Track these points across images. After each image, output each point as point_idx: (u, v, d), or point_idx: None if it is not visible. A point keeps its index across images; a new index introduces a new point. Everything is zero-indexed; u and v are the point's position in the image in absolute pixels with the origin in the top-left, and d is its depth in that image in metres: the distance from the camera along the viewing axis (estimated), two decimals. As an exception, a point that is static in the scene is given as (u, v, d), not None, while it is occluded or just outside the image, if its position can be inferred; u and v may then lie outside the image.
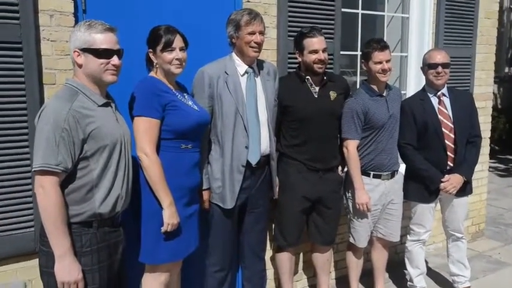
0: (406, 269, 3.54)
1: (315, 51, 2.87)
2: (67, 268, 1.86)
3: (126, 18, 2.61)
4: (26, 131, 2.44)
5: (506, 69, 9.92)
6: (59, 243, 1.85)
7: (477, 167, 4.28)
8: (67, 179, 1.90)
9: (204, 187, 2.76)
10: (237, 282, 3.32)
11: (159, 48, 2.39)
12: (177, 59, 2.40)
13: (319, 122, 2.97)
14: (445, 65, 3.21)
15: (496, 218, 5.36)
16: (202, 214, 2.71)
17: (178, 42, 2.41)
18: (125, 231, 2.22)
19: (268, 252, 3.31)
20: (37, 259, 2.10)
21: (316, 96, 2.99)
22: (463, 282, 3.56)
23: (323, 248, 3.27)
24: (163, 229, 2.35)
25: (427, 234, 3.45)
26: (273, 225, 3.24)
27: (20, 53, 2.41)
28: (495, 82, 5.65)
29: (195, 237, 2.60)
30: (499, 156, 8.68)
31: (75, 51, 1.95)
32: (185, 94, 2.58)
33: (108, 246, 2.04)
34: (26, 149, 2.44)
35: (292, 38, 3.13)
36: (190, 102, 2.53)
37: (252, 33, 2.64)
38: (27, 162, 2.42)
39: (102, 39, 1.96)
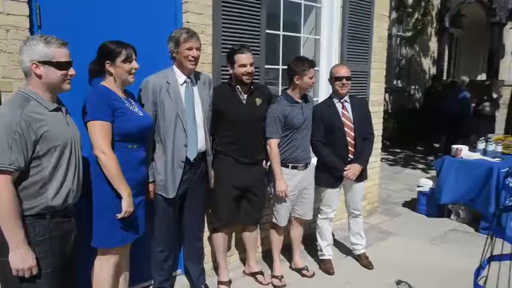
0: (317, 241, 3.62)
1: (244, 65, 2.87)
2: (21, 257, 1.76)
3: (75, 33, 2.44)
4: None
5: (394, 82, 10.40)
6: (13, 235, 1.74)
7: (372, 158, 4.46)
8: (21, 176, 1.79)
9: (149, 180, 2.67)
10: (179, 259, 3.27)
11: (119, 59, 2.29)
12: (135, 69, 2.34)
13: (247, 124, 2.97)
14: (348, 78, 3.32)
15: (386, 198, 5.61)
16: (148, 203, 2.62)
17: (134, 55, 2.34)
18: (78, 221, 2.10)
19: (206, 234, 3.26)
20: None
21: (244, 102, 2.98)
22: (360, 250, 3.73)
23: (251, 228, 3.29)
24: (119, 216, 2.27)
25: (333, 213, 3.57)
26: (210, 210, 3.20)
27: (-22, 63, 2.21)
28: (386, 91, 5.90)
29: (142, 224, 2.51)
30: (389, 150, 9.10)
31: (33, 63, 1.83)
32: (132, 101, 2.48)
33: (61, 234, 1.94)
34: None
35: (225, 54, 3.09)
36: (136, 109, 2.44)
37: (190, 48, 2.61)
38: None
39: (62, 52, 1.89)
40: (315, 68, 4.18)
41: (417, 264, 3.69)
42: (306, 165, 3.27)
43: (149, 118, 2.53)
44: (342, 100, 3.39)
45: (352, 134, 3.36)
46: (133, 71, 2.35)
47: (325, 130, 3.31)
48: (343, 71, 3.32)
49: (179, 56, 2.64)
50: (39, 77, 1.86)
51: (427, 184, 5.03)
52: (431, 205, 4.96)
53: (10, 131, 1.71)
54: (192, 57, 2.64)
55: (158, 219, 2.77)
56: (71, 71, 1.95)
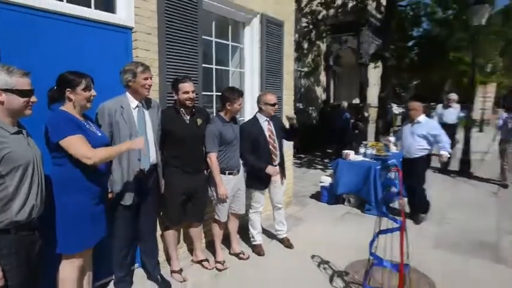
0: (249, 231, 3.58)
1: (187, 92, 2.77)
2: None
3: (32, 66, 2.14)
4: None
5: (297, 104, 10.80)
6: None
7: (287, 163, 4.51)
8: None
9: (109, 190, 2.43)
10: (136, 255, 3.00)
11: (80, 88, 2.07)
12: (93, 96, 2.13)
13: (190, 140, 2.86)
14: (275, 104, 3.40)
15: (297, 193, 5.71)
16: (108, 210, 2.37)
17: (92, 84, 2.13)
18: (43, 230, 1.83)
19: (158, 232, 3.04)
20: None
21: (187, 122, 2.86)
22: (282, 234, 3.76)
23: (196, 224, 3.15)
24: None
25: (262, 207, 3.54)
26: (161, 213, 3.00)
27: None
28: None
29: (103, 228, 2.27)
30: (296, 156, 9.29)
31: None
32: (90, 123, 2.23)
33: (25, 247, 1.67)
34: None
35: (170, 83, 2.96)
36: (94, 129, 2.21)
37: (146, 78, 2.48)
38: None
39: (24, 82, 1.67)
40: None
41: (325, 241, 3.80)
42: (238, 171, 3.22)
43: (106, 137, 2.31)
44: (267, 119, 3.41)
45: (275, 144, 3.41)
46: (91, 98, 2.15)
47: (252, 143, 3.28)
48: (274, 98, 3.38)
49: (136, 85, 2.47)
50: (1, 103, 1.61)
51: (327, 180, 5.23)
52: (330, 195, 5.15)
53: None
54: (148, 85, 2.51)
55: (118, 223, 2.54)
56: (33, 98, 1.73)
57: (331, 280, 2.99)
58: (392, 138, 4.88)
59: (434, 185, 6.21)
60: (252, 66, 4.27)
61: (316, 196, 5.51)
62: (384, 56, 9.75)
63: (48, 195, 1.98)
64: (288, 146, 3.76)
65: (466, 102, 7.98)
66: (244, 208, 3.39)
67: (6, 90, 1.61)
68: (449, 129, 7.21)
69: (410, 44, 13.35)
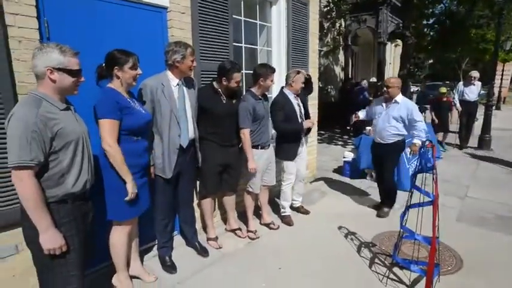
0: (280, 202, 3.59)
1: (237, 82, 2.79)
2: (51, 238, 1.51)
3: (79, 45, 2.11)
4: (4, 131, 1.87)
5: (320, 84, 10.55)
6: (41, 221, 1.49)
7: (311, 138, 4.45)
8: (43, 169, 1.52)
9: (151, 164, 2.44)
10: (176, 223, 3.06)
11: (127, 66, 2.04)
12: (139, 75, 2.10)
13: (227, 118, 2.85)
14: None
15: (321, 167, 5.63)
16: (150, 182, 2.41)
17: (138, 62, 2.10)
18: (95, 200, 1.86)
19: (195, 202, 3.07)
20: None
21: (224, 102, 2.83)
22: (297, 204, 3.79)
23: (230, 194, 3.16)
24: (127, 198, 2.05)
25: (294, 178, 3.53)
26: (198, 183, 3.03)
27: (-6, 70, 1.84)
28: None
29: (147, 199, 2.30)
30: (318, 131, 9.20)
31: (48, 69, 1.54)
32: (135, 100, 2.21)
33: (81, 215, 1.69)
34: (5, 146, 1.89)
35: (203, 61, 2.93)
36: (138, 107, 2.18)
37: (192, 60, 2.45)
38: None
39: (75, 61, 1.62)
40: None
41: (348, 213, 3.76)
42: (269, 146, 3.21)
43: (149, 114, 2.29)
44: (295, 95, 3.38)
45: (303, 118, 3.41)
46: (137, 76, 2.12)
47: (285, 115, 3.26)
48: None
49: (183, 66, 2.44)
50: (54, 81, 1.58)
51: (349, 155, 5.14)
52: (353, 170, 5.08)
53: (28, 131, 1.43)
54: (193, 67, 2.49)
55: (159, 194, 2.55)
56: (83, 78, 1.69)
57: (358, 250, 2.96)
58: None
59: (454, 162, 6.01)
60: (279, 44, 4.12)
61: (338, 171, 5.43)
62: (403, 34, 9.28)
63: (98, 168, 2.01)
64: (312, 121, 3.68)
65: (485, 80, 7.56)
66: (275, 180, 3.39)
67: (58, 69, 1.57)
68: (470, 106, 6.90)
69: (430, 21, 12.58)
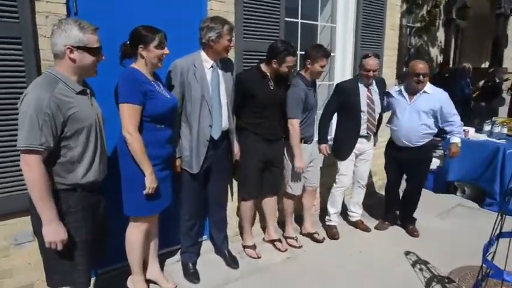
0: (327, 208, 3.56)
1: (290, 67, 2.83)
2: (53, 231, 1.68)
3: (109, 20, 2.33)
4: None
5: (404, 69, 9.97)
6: (46, 211, 1.65)
7: (382, 138, 4.25)
8: (54, 155, 1.69)
9: (177, 156, 2.58)
10: (205, 226, 3.19)
11: (153, 44, 2.16)
12: (164, 55, 2.21)
13: (273, 107, 2.90)
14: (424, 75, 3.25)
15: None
16: (175, 176, 2.55)
17: (165, 41, 2.21)
18: (110, 193, 2.02)
19: (230, 204, 3.18)
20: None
21: (272, 88, 2.88)
22: (356, 217, 3.70)
23: (271, 196, 3.20)
24: (145, 192, 2.19)
25: (348, 182, 3.49)
26: (236, 182, 3.14)
27: (20, 46, 2.12)
28: (397, 77, 5.58)
29: (169, 195, 2.44)
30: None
31: (68, 48, 1.69)
32: (160, 83, 2.35)
33: (91, 205, 1.85)
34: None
35: (246, 39, 2.98)
36: (163, 91, 2.31)
37: (229, 40, 2.52)
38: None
39: (95, 39, 1.75)
40: (332, 54, 4.08)
41: (425, 237, 3.52)
42: (312, 140, 3.22)
43: (175, 99, 2.41)
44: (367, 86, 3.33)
45: (374, 114, 3.37)
46: (163, 56, 2.23)
47: (341, 105, 3.30)
48: (373, 64, 3.19)
49: (218, 46, 2.51)
50: (73, 61, 1.72)
51: (434, 163, 4.79)
52: (438, 182, 4.76)
53: (41, 113, 1.58)
54: (230, 47, 2.56)
55: (184, 191, 2.68)
56: (103, 57, 1.82)
57: (428, 285, 2.77)
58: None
59: None
60: (345, 19, 4.02)
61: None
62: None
63: (114, 156, 2.19)
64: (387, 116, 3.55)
65: None
66: (319, 180, 3.39)
67: (78, 48, 1.70)
68: None
69: None
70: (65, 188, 1.74)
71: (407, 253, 3.20)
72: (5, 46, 2.09)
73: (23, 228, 2.28)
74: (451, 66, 10.16)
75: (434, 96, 3.28)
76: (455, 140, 3.34)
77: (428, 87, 3.31)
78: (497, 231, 2.22)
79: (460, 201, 4.44)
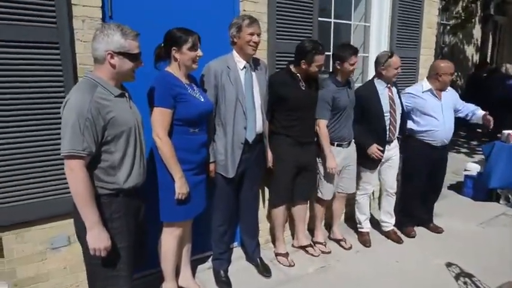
0: (356, 215, 3.55)
1: (319, 66, 2.81)
2: (97, 237, 1.72)
3: (143, 23, 2.37)
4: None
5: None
6: (89, 216, 1.70)
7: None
8: (95, 159, 1.73)
9: (210, 160, 2.59)
10: (236, 233, 3.20)
11: (186, 47, 2.20)
12: (199, 57, 2.25)
13: (306, 108, 2.91)
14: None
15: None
16: (209, 181, 2.57)
17: (199, 43, 2.24)
18: (147, 198, 2.07)
19: (261, 211, 3.19)
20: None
21: (303, 89, 2.88)
22: (389, 227, 3.62)
23: (302, 202, 3.20)
24: (176, 197, 2.23)
25: (372, 189, 3.50)
26: (268, 188, 3.15)
27: (57, 51, 2.20)
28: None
29: (203, 201, 2.47)
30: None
31: (108, 53, 1.73)
32: (194, 86, 2.38)
33: (132, 211, 1.89)
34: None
35: (280, 41, 2.98)
36: (197, 94, 2.34)
37: (251, 34, 2.49)
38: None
39: (136, 45, 1.80)
40: (364, 55, 4.04)
41: (466, 247, 3.42)
42: (349, 143, 3.17)
43: (209, 102, 2.43)
44: (388, 85, 3.30)
45: (396, 115, 3.33)
46: (197, 58, 2.26)
47: (363, 111, 3.23)
48: (399, 61, 3.22)
49: (240, 41, 2.51)
50: (113, 66, 1.76)
51: (474, 168, 4.70)
52: (478, 189, 4.61)
53: (82, 118, 1.63)
54: (254, 42, 2.51)
55: (218, 196, 2.70)
56: (142, 63, 1.87)
57: (473, 299, 2.69)
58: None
59: None
60: (380, 18, 3.96)
61: (457, 187, 4.99)
62: None
63: (150, 161, 2.22)
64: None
65: None
66: (354, 187, 3.37)
67: (119, 53, 1.75)
68: None
69: None
70: (107, 193, 1.78)
71: (448, 265, 3.11)
72: (44, 51, 2.17)
73: (59, 233, 2.36)
74: (493, 65, 9.82)
75: (451, 91, 3.59)
76: (481, 111, 3.62)
77: None
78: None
79: (505, 210, 4.29)
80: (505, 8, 10.57)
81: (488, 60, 10.42)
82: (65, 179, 2.22)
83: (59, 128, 2.18)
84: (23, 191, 2.21)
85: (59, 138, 2.19)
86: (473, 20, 9.90)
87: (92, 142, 1.68)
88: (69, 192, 2.22)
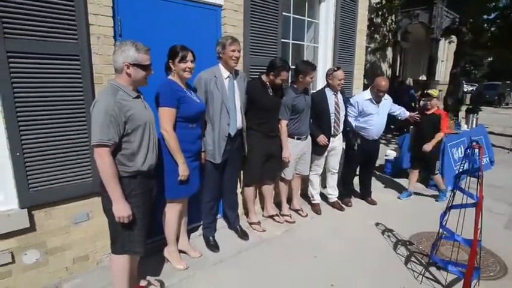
0: (309, 190, 3.73)
1: (283, 80, 2.91)
2: (121, 208, 1.75)
3: (146, 40, 2.34)
4: (84, 115, 2.19)
5: (365, 81, 10.26)
6: (114, 192, 1.73)
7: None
8: (118, 148, 1.76)
9: (202, 150, 2.63)
10: (220, 207, 3.26)
11: (177, 60, 2.21)
12: (188, 68, 2.25)
13: (272, 110, 2.99)
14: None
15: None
16: (201, 167, 2.61)
17: (189, 56, 2.25)
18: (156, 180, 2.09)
19: (239, 190, 3.25)
20: (93, 198, 2.05)
21: (271, 95, 2.96)
22: (333, 199, 3.83)
23: (270, 182, 3.31)
24: (179, 179, 2.26)
25: (321, 170, 3.66)
26: (242, 172, 3.19)
27: (78, 62, 2.14)
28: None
29: (198, 182, 2.50)
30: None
31: (125, 64, 1.77)
32: (191, 91, 2.41)
33: (148, 190, 1.92)
34: (84, 128, 2.20)
35: (253, 56, 3.06)
36: (194, 97, 2.38)
37: (233, 50, 2.56)
38: (86, 136, 2.20)
39: (147, 57, 1.83)
40: None
41: (389, 210, 3.72)
42: (306, 137, 3.31)
43: (203, 104, 2.47)
44: (334, 93, 3.44)
45: (339, 116, 3.50)
46: (187, 69, 2.27)
47: (316, 112, 3.34)
48: (342, 75, 3.37)
49: (225, 56, 2.56)
50: (129, 75, 1.80)
51: (391, 154, 5.04)
52: (394, 168, 4.97)
53: (108, 115, 1.67)
54: (235, 57, 2.58)
55: (207, 178, 2.73)
56: (152, 72, 1.90)
57: (395, 248, 2.94)
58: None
59: (509, 168, 5.61)
60: (325, 40, 4.13)
61: (379, 168, 5.30)
62: (460, 30, 8.67)
63: (160, 151, 2.22)
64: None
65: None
66: (308, 170, 3.50)
67: (134, 65, 1.79)
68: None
69: (492, 16, 11.53)
70: (128, 175, 1.80)
71: (377, 224, 3.37)
72: (68, 62, 2.11)
73: (80, 210, 2.31)
74: (400, 79, 10.51)
75: (389, 99, 3.83)
76: (407, 113, 3.97)
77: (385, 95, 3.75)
78: (450, 204, 2.41)
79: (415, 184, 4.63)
80: (408, 36, 11.35)
81: (397, 74, 11.15)
82: (84, 167, 2.24)
83: (80, 125, 2.19)
84: (51, 177, 2.15)
85: (80, 133, 2.20)
86: (388, 45, 10.55)
87: (116, 134, 1.71)
88: (87, 178, 2.24)
